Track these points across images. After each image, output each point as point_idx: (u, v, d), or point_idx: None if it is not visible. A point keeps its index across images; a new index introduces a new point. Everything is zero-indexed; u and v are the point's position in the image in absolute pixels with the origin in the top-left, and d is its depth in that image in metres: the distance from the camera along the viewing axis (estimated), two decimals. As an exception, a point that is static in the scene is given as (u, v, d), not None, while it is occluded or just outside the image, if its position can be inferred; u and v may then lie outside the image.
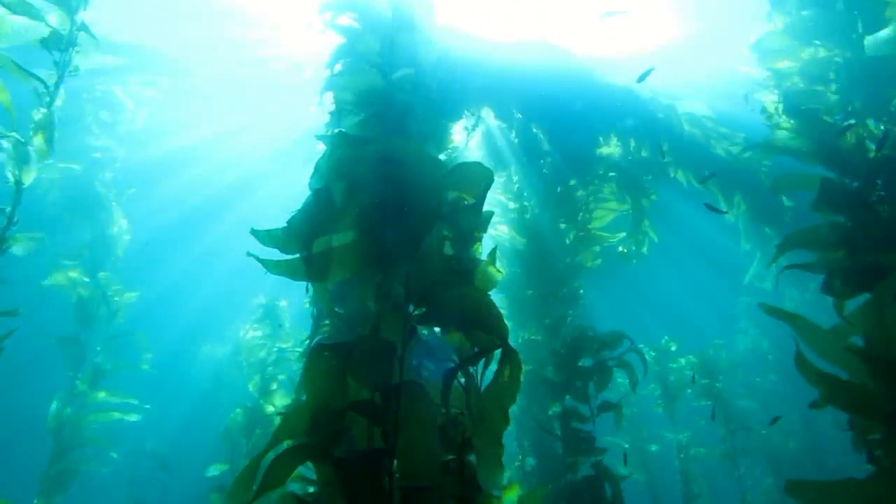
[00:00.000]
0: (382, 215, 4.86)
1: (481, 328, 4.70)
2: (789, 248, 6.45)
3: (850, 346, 5.12)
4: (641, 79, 9.03)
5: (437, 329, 5.28)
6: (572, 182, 11.42)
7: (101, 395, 15.41)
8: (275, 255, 5.19)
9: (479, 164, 5.25)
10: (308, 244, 4.97)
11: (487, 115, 10.49)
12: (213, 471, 15.08)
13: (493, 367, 4.90)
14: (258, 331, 16.62)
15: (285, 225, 5.04)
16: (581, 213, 11.71)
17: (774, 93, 7.05)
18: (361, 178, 4.90)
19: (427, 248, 4.91)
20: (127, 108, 20.01)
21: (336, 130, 5.17)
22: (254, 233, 5.16)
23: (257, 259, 5.07)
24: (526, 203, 11.99)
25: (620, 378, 19.06)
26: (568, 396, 9.91)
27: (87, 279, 16.56)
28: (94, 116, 19.21)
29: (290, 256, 5.14)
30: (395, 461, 4.35)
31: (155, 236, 29.78)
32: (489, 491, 4.70)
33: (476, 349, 4.81)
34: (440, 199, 4.88)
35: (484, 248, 5.85)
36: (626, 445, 20.75)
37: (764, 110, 7.11)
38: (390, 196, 4.85)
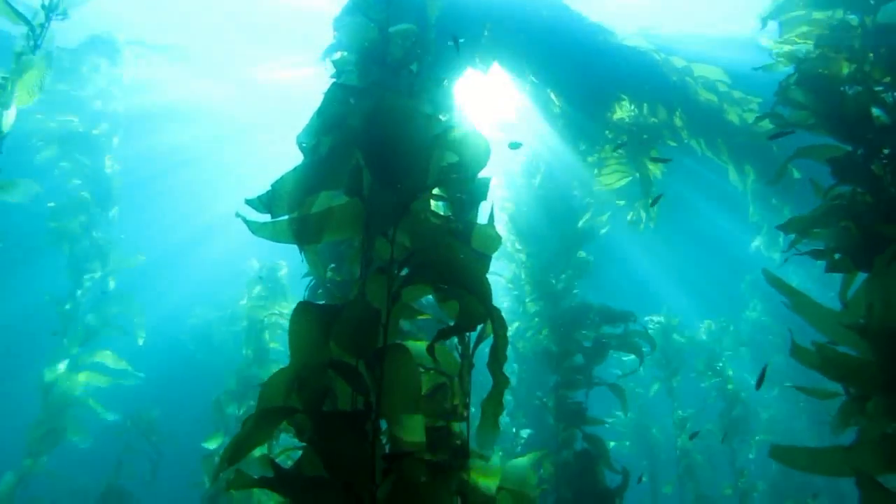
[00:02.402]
0: (371, 174, 4.69)
1: (464, 289, 4.56)
2: (792, 231, 6.37)
3: (850, 324, 5.06)
4: None
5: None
6: (582, 147, 11.23)
7: (91, 356, 15.36)
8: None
9: (475, 133, 5.09)
10: (295, 205, 4.82)
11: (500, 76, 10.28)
12: (210, 444, 15.00)
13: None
14: (256, 291, 16.52)
15: (270, 188, 4.87)
16: (591, 179, 11.56)
17: (788, 62, 6.87)
18: (352, 134, 4.73)
19: (416, 210, 4.76)
20: (125, 55, 19.76)
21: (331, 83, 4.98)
22: (248, 202, 5.00)
23: (244, 220, 4.91)
24: (536, 169, 11.87)
25: (624, 356, 19.12)
26: (565, 368, 9.84)
27: (80, 232, 16.44)
28: (92, 63, 18.98)
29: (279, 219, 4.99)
30: (380, 427, 4.25)
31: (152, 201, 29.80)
32: (477, 457, 4.65)
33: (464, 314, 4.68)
34: (430, 159, 4.70)
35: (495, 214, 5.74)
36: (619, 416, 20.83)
37: (780, 84, 6.92)
38: (380, 154, 4.67)
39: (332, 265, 6.07)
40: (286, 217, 4.85)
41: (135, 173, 22.56)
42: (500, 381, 4.68)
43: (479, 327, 4.78)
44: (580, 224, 11.65)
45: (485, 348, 4.75)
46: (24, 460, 14.14)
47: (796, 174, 10.96)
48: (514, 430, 10.90)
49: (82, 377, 15.03)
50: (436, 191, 5.18)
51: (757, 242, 15.23)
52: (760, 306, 26.31)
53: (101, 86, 18.78)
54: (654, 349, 10.72)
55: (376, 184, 4.65)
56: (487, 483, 4.56)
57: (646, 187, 11.46)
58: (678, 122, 11.29)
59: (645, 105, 11.09)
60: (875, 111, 5.95)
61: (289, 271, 17.41)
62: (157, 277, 33.69)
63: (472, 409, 5.01)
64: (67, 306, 15.60)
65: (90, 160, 17.74)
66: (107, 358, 15.58)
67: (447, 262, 4.57)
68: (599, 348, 9.82)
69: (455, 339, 4.87)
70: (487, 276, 5.05)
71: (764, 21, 7.26)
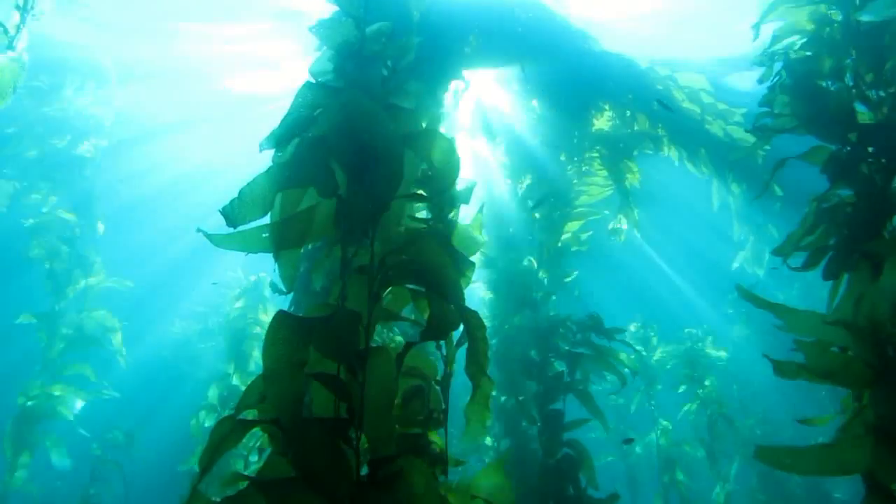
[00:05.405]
0: (346, 174, 4.61)
1: (436, 292, 4.51)
2: (788, 250, 6.34)
3: (837, 319, 5.03)
4: None
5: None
6: (562, 157, 11.20)
7: (69, 370, 15.21)
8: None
9: (447, 139, 5.01)
10: (267, 209, 4.66)
11: (482, 83, 10.22)
12: (189, 464, 14.89)
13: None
14: (238, 302, 16.40)
15: (238, 194, 4.64)
16: (571, 191, 11.52)
17: (776, 64, 6.84)
18: (325, 133, 4.64)
19: (394, 211, 4.72)
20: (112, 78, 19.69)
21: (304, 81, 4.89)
22: (222, 211, 4.74)
23: (205, 235, 4.65)
24: (516, 179, 11.82)
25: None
26: (547, 376, 9.79)
27: (64, 248, 16.33)
28: (77, 84, 18.93)
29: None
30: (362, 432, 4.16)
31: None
32: (454, 463, 4.60)
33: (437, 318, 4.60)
34: (404, 160, 4.62)
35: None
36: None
37: (768, 88, 6.90)
38: (354, 153, 4.58)
39: (313, 275, 5.97)
40: (258, 224, 4.70)
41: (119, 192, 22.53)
42: (482, 384, 4.65)
43: (458, 331, 4.71)
44: (563, 236, 11.59)
45: (463, 352, 4.71)
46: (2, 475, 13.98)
47: (779, 192, 10.90)
48: (491, 440, 10.81)
49: (59, 392, 14.86)
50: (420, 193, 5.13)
51: (739, 259, 15.27)
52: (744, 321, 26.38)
53: (83, 106, 18.69)
54: (637, 374, 10.62)
55: (352, 184, 4.57)
56: (464, 490, 4.50)
57: (623, 197, 11.42)
58: (661, 131, 11.26)
59: (627, 112, 11.04)
60: (860, 107, 5.94)
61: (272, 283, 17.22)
62: (144, 293, 33.49)
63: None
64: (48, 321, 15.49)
65: (70, 178, 17.65)
66: (85, 372, 15.44)
67: (421, 262, 4.54)
68: (574, 359, 9.78)
69: (433, 344, 4.81)
70: (472, 282, 5.02)
71: (756, 28, 7.23)
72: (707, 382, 20.35)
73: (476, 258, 5.56)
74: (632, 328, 22.18)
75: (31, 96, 17.87)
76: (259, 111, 23.39)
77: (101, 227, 17.64)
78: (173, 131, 26.30)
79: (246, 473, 4.26)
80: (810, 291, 21.69)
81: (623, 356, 10.17)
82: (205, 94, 24.01)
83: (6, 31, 6.96)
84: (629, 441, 15.82)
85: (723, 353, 21.96)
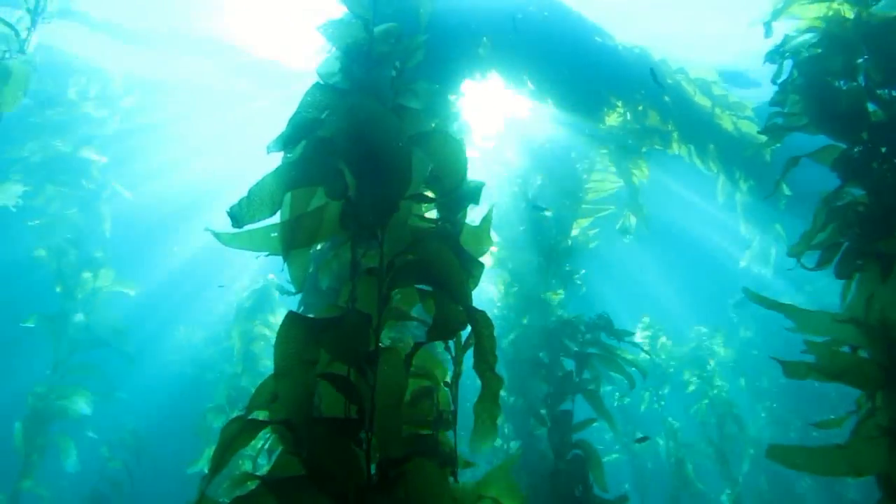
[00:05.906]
0: (354, 175, 4.60)
1: (443, 290, 4.50)
2: (802, 249, 6.30)
3: (849, 317, 4.99)
4: None
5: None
6: (573, 155, 11.14)
7: (77, 373, 15.21)
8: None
9: (454, 139, 4.99)
10: (276, 209, 4.65)
11: (492, 83, 10.14)
12: (197, 466, 14.93)
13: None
14: (247, 304, 16.39)
15: (247, 193, 4.61)
16: (581, 188, 11.47)
17: (787, 62, 6.79)
18: (334, 134, 4.64)
19: (403, 212, 4.68)
20: (116, 82, 19.64)
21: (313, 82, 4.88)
22: (229, 212, 4.71)
23: (213, 233, 4.64)
24: (526, 178, 11.79)
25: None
26: (557, 378, 9.77)
27: (71, 249, 16.34)
28: (80, 89, 18.91)
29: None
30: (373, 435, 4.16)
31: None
32: (464, 464, 4.59)
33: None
34: (412, 161, 4.61)
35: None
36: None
37: (779, 85, 6.84)
38: (363, 155, 4.58)
39: (320, 275, 5.97)
40: (264, 224, 4.69)
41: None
42: (491, 382, 4.62)
43: (466, 332, 4.70)
44: (570, 235, 11.55)
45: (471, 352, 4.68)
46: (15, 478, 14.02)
47: (787, 190, 10.80)
48: (500, 441, 10.77)
49: (68, 393, 14.88)
50: (428, 194, 5.11)
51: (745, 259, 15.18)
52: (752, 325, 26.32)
53: (88, 110, 18.68)
54: (646, 377, 10.56)
55: (361, 185, 4.56)
56: (473, 491, 4.49)
57: (632, 194, 11.34)
58: (670, 127, 11.14)
59: (639, 108, 10.91)
60: (871, 107, 5.89)
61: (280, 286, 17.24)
62: (150, 293, 33.53)
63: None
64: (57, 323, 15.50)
65: (75, 180, 17.66)
66: (94, 374, 15.46)
67: (428, 263, 4.53)
68: (583, 359, 9.75)
69: (441, 345, 4.81)
70: (481, 283, 5.01)
71: (768, 26, 7.17)
72: (716, 380, 20.30)
73: (486, 258, 5.55)
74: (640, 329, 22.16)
75: (36, 98, 17.91)
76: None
77: (107, 227, 17.66)
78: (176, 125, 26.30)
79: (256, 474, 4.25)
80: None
81: (631, 356, 10.14)
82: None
83: (17, 34, 6.93)
84: (643, 439, 15.76)
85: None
